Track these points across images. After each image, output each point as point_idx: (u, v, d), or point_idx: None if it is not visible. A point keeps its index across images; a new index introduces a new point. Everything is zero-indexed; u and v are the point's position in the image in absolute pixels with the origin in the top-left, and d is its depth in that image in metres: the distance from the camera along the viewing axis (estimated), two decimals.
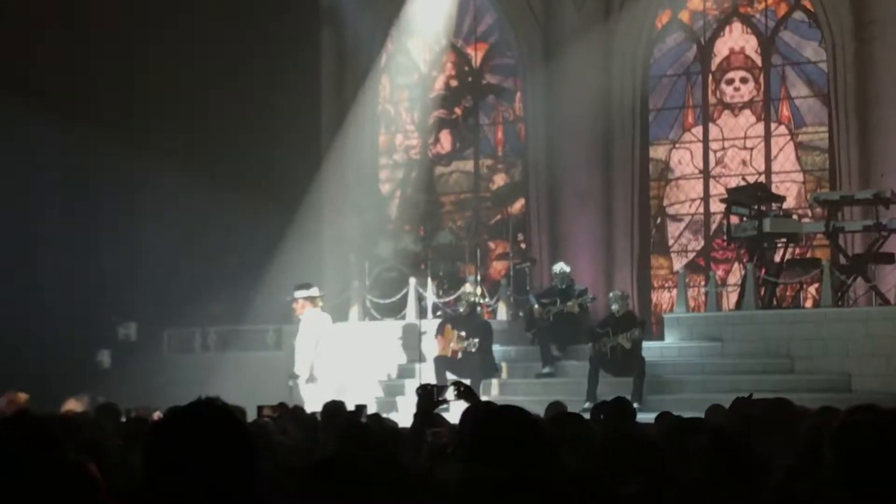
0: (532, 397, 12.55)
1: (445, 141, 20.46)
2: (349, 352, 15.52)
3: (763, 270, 15.45)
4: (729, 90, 18.82)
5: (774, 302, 15.65)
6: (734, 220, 15.90)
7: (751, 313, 15.00)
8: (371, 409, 10.65)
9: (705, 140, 18.85)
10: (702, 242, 18.89)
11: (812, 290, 16.44)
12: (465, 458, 3.83)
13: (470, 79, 20.32)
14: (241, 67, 17.66)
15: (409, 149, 20.55)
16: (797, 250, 16.68)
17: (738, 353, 14.75)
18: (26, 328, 16.46)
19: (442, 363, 14.68)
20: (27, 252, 17.52)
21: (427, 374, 14.50)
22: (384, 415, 9.67)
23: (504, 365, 15.39)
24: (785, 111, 18.47)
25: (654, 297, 18.99)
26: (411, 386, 14.59)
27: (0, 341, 15.50)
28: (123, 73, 17.54)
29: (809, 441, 4.77)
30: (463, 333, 14.76)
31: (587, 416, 7.77)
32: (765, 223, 15.22)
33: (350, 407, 8.91)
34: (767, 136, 18.52)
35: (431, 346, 15.04)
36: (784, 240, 15.73)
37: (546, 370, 15.12)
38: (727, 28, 18.90)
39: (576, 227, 18.50)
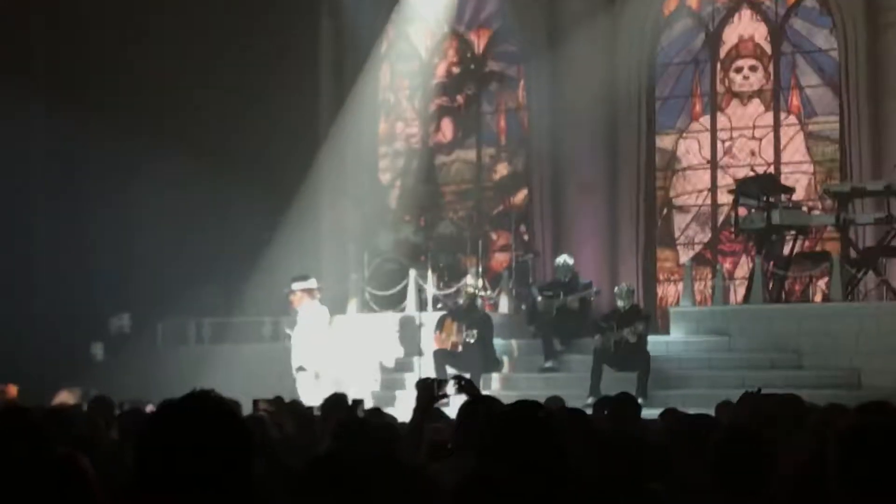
0: (534, 392, 12.32)
1: (447, 129, 20.36)
2: (347, 345, 15.42)
3: (771, 264, 15.35)
4: (738, 79, 18.73)
5: (783, 296, 15.58)
6: (742, 211, 15.86)
7: (759, 307, 14.94)
8: (368, 404, 10.43)
9: (713, 130, 18.77)
10: (709, 234, 18.80)
11: (821, 283, 16.39)
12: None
13: (472, 66, 20.23)
14: (239, 53, 17.63)
15: (409, 137, 20.47)
16: (806, 243, 16.67)
17: (746, 348, 14.68)
18: (17, 320, 16.44)
19: (441, 357, 14.59)
20: (19, 243, 17.47)
21: (426, 367, 14.42)
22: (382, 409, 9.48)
23: (506, 359, 15.30)
24: (795, 100, 18.41)
25: (660, 290, 18.92)
26: (410, 380, 14.54)
27: None
28: (119, 57, 17.46)
29: (817, 438, 4.78)
30: (463, 326, 14.63)
31: (590, 411, 7.82)
32: (773, 215, 15.15)
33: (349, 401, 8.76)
34: (777, 126, 18.43)
35: (431, 340, 14.91)
36: (793, 232, 15.67)
37: (548, 364, 15.05)
38: (736, 15, 18.79)
39: (580, 218, 18.41)
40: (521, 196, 19.69)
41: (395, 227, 18.41)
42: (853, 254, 15.38)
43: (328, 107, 19.16)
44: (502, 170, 20.02)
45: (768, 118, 18.43)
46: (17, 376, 11.48)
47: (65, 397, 9.86)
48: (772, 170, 17.91)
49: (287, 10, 17.97)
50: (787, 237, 15.68)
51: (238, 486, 2.63)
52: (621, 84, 18.34)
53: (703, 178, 18.82)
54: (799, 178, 18.09)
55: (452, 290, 16.21)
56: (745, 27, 18.66)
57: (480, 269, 17.36)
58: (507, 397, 5.16)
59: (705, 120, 18.80)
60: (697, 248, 18.80)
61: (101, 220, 17.55)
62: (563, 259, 15.82)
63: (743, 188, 15.85)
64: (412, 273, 16.32)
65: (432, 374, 12.82)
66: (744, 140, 18.55)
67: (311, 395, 12.28)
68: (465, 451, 4.80)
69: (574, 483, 3.79)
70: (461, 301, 15.22)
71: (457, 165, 20.23)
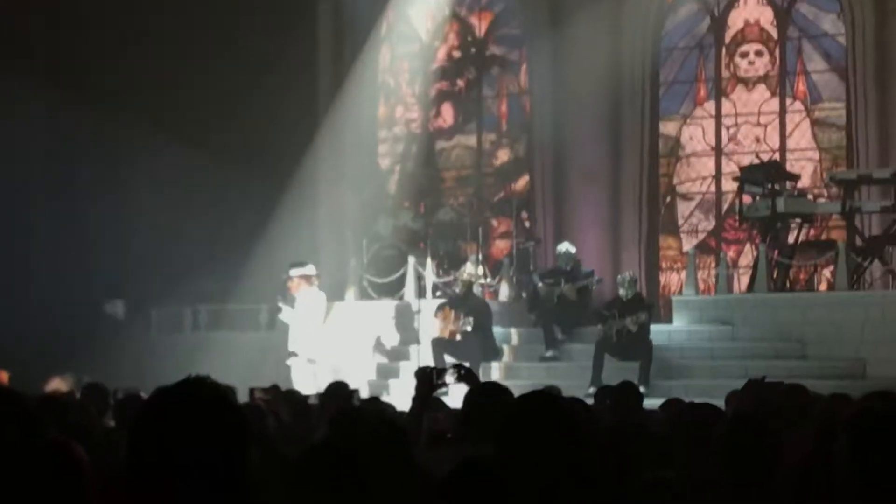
0: (535, 381, 12.32)
1: (447, 114, 20.23)
2: (344, 332, 15.35)
3: (776, 252, 15.30)
4: (743, 64, 18.60)
5: (787, 285, 15.57)
6: (747, 199, 15.81)
7: (763, 296, 14.87)
8: (364, 393, 10.33)
9: (718, 116, 18.69)
10: (713, 222, 18.72)
11: (827, 272, 16.38)
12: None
13: (473, 50, 20.10)
14: (236, 36, 17.51)
15: (409, 122, 20.35)
16: (812, 231, 16.72)
17: (750, 337, 14.61)
18: (12, 306, 16.46)
19: (439, 345, 14.48)
20: (13, 230, 17.42)
21: (424, 355, 14.35)
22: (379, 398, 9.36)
23: (506, 347, 15.20)
24: (801, 86, 18.33)
25: (663, 278, 18.84)
26: (406, 368, 14.45)
27: None
28: (115, 44, 17.47)
29: (821, 429, 4.85)
30: (461, 314, 14.55)
31: (591, 401, 7.75)
32: (778, 203, 15.08)
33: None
34: (782, 112, 18.34)
35: (430, 328, 14.78)
36: (798, 220, 15.65)
37: (549, 353, 14.95)
38: None
39: (582, 205, 18.34)
40: (522, 182, 19.59)
41: (394, 213, 18.25)
42: (859, 242, 15.31)
43: (327, 91, 19.04)
44: (503, 155, 19.91)
45: (774, 104, 18.33)
46: (9, 362, 11.33)
47: (57, 384, 9.77)
48: (777, 157, 17.82)
49: None
50: (793, 225, 15.63)
51: (234, 475, 2.60)
52: (625, 69, 18.22)
53: (708, 164, 18.74)
54: (804, 165, 18.02)
55: (451, 277, 16.06)
56: (751, 11, 18.54)
57: (481, 257, 17.22)
58: (509, 387, 4.99)
59: (710, 106, 18.70)
60: (701, 236, 18.71)
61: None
62: (566, 247, 15.71)
63: (748, 175, 15.77)
64: (411, 260, 16.20)
65: (430, 363, 12.72)
66: (749, 126, 18.46)
67: (306, 383, 12.22)
68: (466, 440, 4.74)
69: (581, 474, 3.74)
70: (458, 289, 15.11)
71: (457, 151, 20.11)
